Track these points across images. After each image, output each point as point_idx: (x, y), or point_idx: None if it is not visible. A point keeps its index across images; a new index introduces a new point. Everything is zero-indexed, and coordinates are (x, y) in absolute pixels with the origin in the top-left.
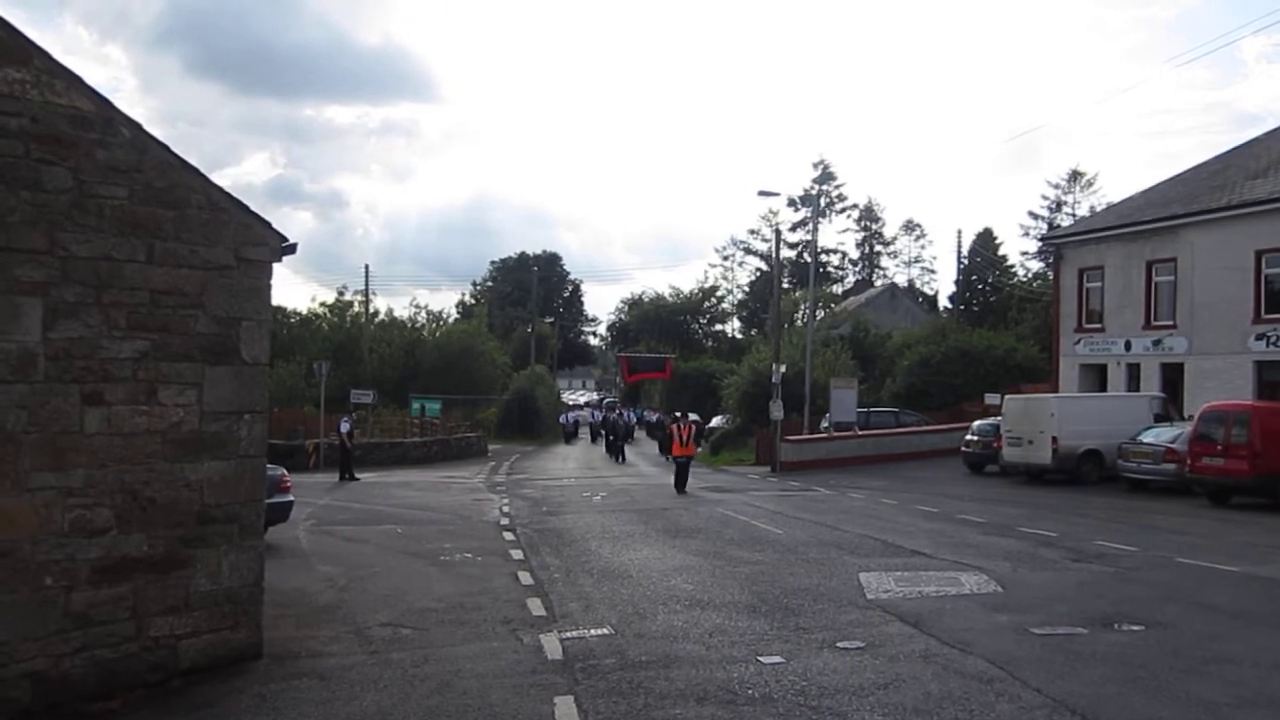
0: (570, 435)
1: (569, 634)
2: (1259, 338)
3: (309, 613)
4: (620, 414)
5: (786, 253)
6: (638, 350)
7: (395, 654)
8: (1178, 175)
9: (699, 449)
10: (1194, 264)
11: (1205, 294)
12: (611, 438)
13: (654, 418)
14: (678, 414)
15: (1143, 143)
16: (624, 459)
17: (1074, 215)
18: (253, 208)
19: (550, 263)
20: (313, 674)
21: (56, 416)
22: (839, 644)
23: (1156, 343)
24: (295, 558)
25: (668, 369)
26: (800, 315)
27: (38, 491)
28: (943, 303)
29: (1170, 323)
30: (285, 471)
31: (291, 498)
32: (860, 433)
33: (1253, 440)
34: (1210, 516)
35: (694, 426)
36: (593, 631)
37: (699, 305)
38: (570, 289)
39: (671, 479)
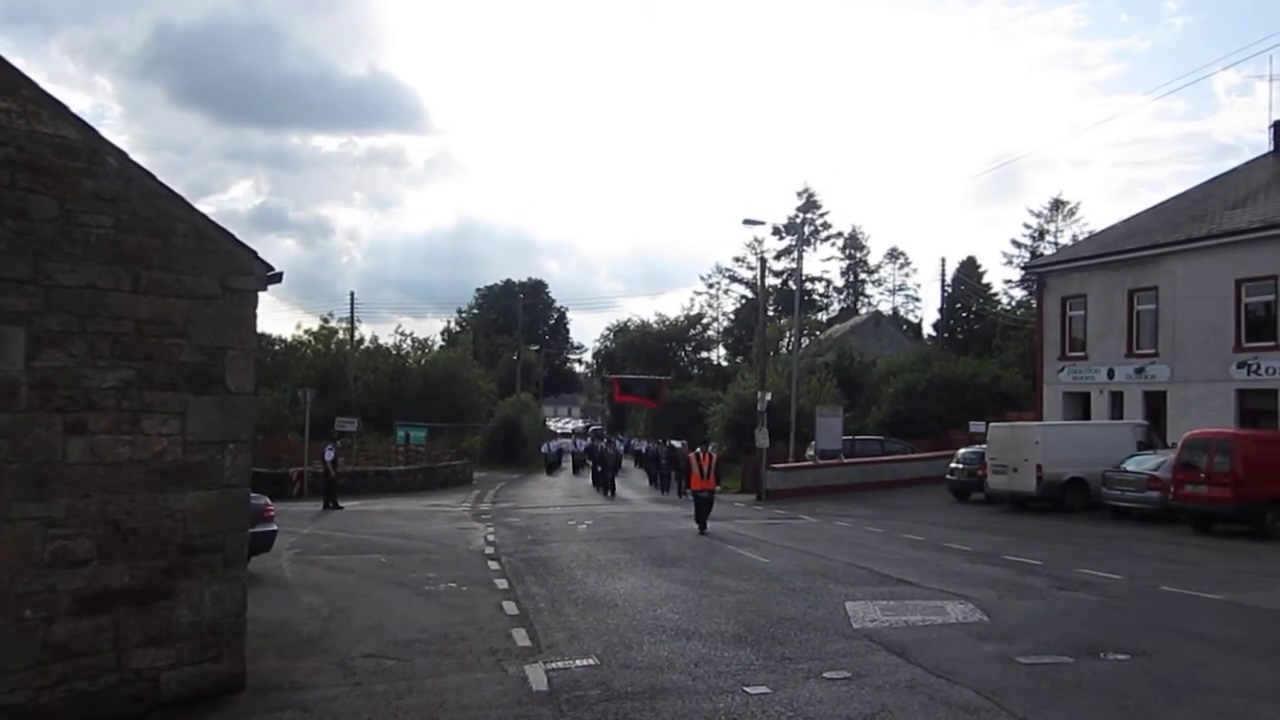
0: (553, 465)
1: (554, 664)
2: (1240, 365)
3: (292, 644)
4: (610, 442)
5: (771, 280)
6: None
7: (379, 685)
8: (1158, 205)
9: (719, 485)
10: (1175, 292)
11: (1187, 322)
12: (600, 468)
13: (643, 447)
14: (674, 443)
15: (1122, 172)
16: (614, 493)
17: (1056, 244)
18: (237, 236)
19: (536, 290)
20: (296, 706)
21: (39, 446)
22: (825, 674)
23: (1139, 370)
24: (278, 588)
25: (661, 394)
26: (785, 343)
27: (19, 522)
28: (927, 330)
29: (1152, 350)
30: (269, 500)
31: (275, 527)
32: (846, 460)
33: (1235, 468)
34: (1194, 544)
35: (715, 457)
36: (578, 662)
37: (684, 333)
38: (556, 316)
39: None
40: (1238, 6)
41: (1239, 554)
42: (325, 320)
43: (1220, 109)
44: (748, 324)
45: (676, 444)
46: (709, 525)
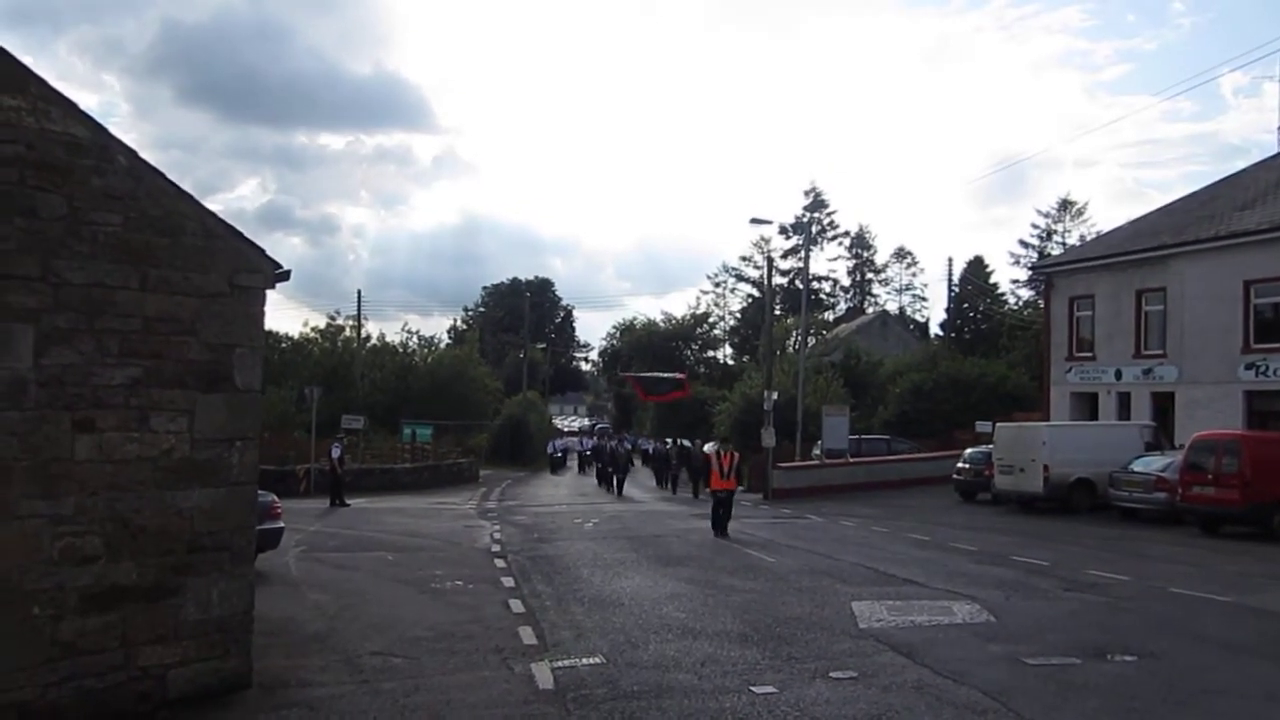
0: (557, 465)
1: (561, 663)
2: (1248, 367)
3: (299, 641)
4: (620, 441)
5: (778, 280)
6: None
7: (386, 683)
8: (1166, 206)
9: (740, 485)
10: (1184, 293)
11: (1195, 323)
12: (611, 469)
13: (650, 446)
14: (684, 442)
15: (1129, 172)
16: (622, 493)
17: (1064, 244)
18: (245, 234)
19: (542, 288)
20: (302, 704)
21: (47, 444)
22: (832, 674)
23: (1147, 371)
24: (285, 585)
25: (686, 385)
26: (792, 342)
27: (27, 519)
28: (934, 330)
29: (1160, 351)
30: (275, 497)
31: (282, 524)
32: (852, 460)
33: (1243, 469)
34: (1201, 546)
35: (736, 455)
36: (584, 660)
37: (691, 332)
38: (562, 315)
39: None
40: (1245, 7)
41: (1246, 556)
42: (332, 318)
43: (1228, 110)
44: (754, 323)
45: (687, 443)
46: (729, 529)
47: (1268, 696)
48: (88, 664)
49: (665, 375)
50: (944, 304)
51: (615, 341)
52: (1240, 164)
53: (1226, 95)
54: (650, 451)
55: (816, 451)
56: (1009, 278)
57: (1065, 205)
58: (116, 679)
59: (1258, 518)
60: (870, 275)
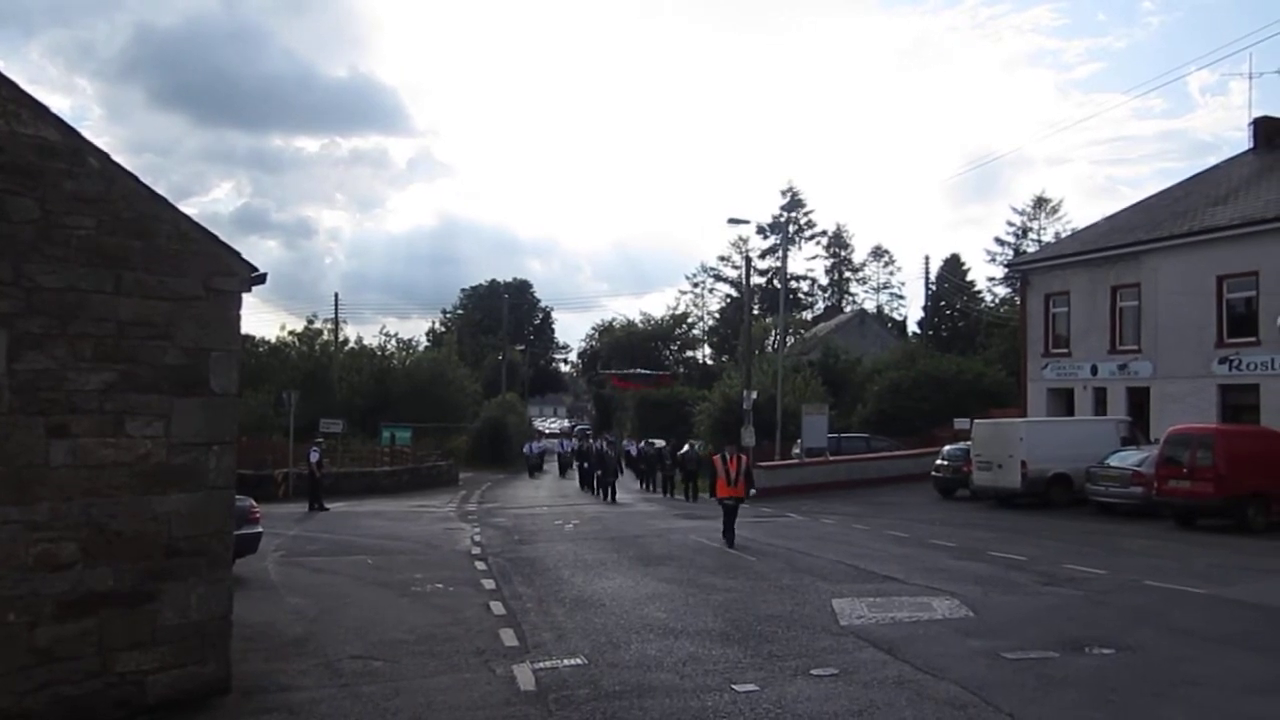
0: (535, 468)
1: (542, 664)
2: (1222, 361)
3: (278, 646)
4: (609, 443)
5: (757, 279)
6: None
7: (366, 687)
8: (1141, 202)
9: (751, 491)
10: (1158, 289)
11: (1169, 318)
12: (599, 472)
13: (633, 447)
14: (677, 442)
15: (1101, 170)
16: (614, 498)
17: (1039, 241)
18: (220, 237)
19: (520, 290)
20: (282, 708)
21: (21, 449)
22: (812, 671)
23: (1122, 367)
24: (264, 590)
25: (665, 378)
26: (771, 342)
27: (1, 526)
28: (911, 328)
29: (1135, 347)
30: (254, 502)
31: (260, 529)
32: (832, 458)
33: (1218, 463)
34: (1177, 539)
35: (744, 459)
36: (566, 661)
37: (670, 332)
38: (541, 316)
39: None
40: (1213, 6)
41: (1221, 548)
42: (310, 322)
43: (1197, 108)
44: (733, 323)
45: (668, 444)
46: (735, 537)
47: (1245, 687)
48: (64, 670)
49: (647, 373)
50: (921, 302)
51: (594, 342)
52: (1211, 160)
53: (1194, 93)
54: (633, 453)
55: (796, 450)
56: (985, 275)
57: (1040, 203)
58: (94, 685)
59: (1232, 510)
60: (848, 274)
